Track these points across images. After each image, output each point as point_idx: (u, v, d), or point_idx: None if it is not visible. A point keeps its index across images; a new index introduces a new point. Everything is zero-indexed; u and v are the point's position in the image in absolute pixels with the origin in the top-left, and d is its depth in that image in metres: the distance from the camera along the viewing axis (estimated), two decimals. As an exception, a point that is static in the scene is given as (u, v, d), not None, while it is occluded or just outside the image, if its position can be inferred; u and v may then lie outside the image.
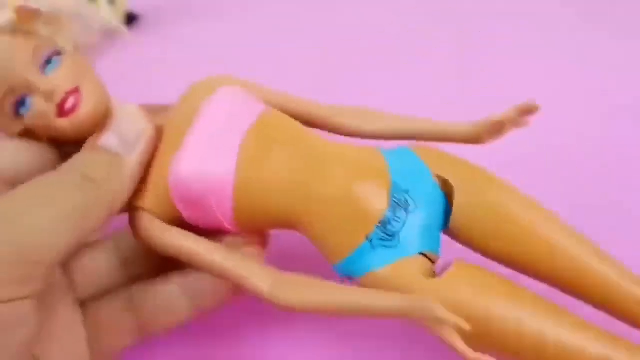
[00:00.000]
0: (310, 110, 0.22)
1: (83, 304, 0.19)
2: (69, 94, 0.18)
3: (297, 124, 0.21)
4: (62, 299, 0.18)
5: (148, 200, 0.19)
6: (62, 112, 0.18)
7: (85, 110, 0.19)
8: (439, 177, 0.20)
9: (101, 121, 0.19)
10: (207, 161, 0.18)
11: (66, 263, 0.19)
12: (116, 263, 0.21)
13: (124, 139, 0.18)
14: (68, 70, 0.19)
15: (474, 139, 0.21)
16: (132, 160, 0.17)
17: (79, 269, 0.20)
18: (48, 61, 0.19)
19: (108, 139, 0.18)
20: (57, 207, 0.15)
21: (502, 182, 0.20)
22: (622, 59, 0.43)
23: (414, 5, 0.55)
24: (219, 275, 0.19)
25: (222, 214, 0.19)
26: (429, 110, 0.38)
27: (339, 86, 0.41)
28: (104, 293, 0.20)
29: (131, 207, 0.19)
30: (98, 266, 0.20)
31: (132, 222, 0.19)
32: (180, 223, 0.20)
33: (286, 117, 0.21)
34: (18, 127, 0.19)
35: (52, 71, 0.19)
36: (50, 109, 0.18)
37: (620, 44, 0.45)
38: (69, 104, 0.18)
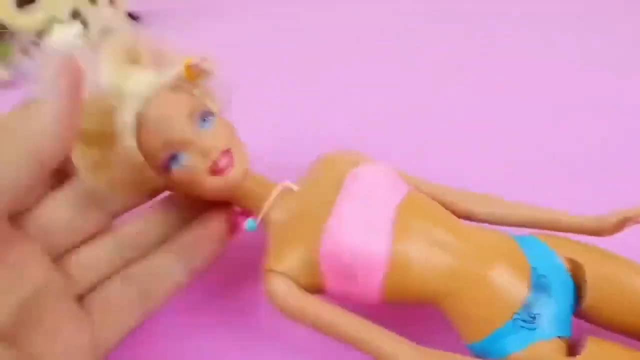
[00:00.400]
0: (440, 193, 0.23)
1: (82, 296, 0.19)
2: (223, 153, 0.19)
3: (439, 205, 0.21)
4: (60, 297, 0.18)
5: (289, 264, 0.19)
6: (215, 170, 0.19)
7: (236, 171, 0.19)
8: (567, 261, 0.20)
9: (241, 185, 0.20)
10: (364, 234, 0.19)
11: (61, 259, 0.19)
12: (116, 260, 0.20)
13: (42, 84, 0.16)
14: (221, 131, 0.20)
15: (596, 232, 0.21)
16: (52, 99, 0.15)
17: (76, 265, 0.20)
18: (203, 120, 0.19)
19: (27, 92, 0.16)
20: None
21: (630, 262, 0.20)
22: (622, 60, 0.43)
23: (414, 5, 0.55)
24: (357, 347, 0.19)
25: (370, 287, 0.19)
26: (429, 110, 0.38)
27: (339, 86, 0.41)
28: (102, 281, 0.20)
29: (268, 270, 0.20)
30: (98, 263, 0.20)
31: (268, 285, 0.19)
32: (316, 292, 0.20)
33: (428, 198, 0.21)
34: (162, 180, 0.20)
35: (206, 130, 0.19)
36: (204, 165, 0.19)
37: (621, 45, 0.45)
38: (222, 163, 0.19)
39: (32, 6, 0.46)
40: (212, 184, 0.19)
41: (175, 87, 0.19)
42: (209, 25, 0.52)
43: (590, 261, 0.20)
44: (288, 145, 0.33)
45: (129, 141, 0.18)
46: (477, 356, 0.19)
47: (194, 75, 0.20)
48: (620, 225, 0.21)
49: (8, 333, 0.15)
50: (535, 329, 0.18)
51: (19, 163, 0.15)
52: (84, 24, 0.48)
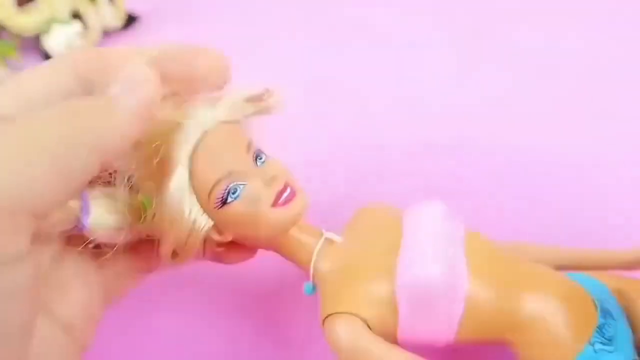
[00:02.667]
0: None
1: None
2: (286, 184, 0.18)
3: (493, 242, 0.21)
4: (74, 252, 0.17)
5: (355, 305, 0.18)
6: (278, 200, 0.18)
7: (299, 204, 0.18)
8: (617, 293, 0.20)
9: (295, 224, 0.19)
10: (444, 266, 0.18)
11: None
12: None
13: (123, 86, 0.16)
14: (278, 164, 0.19)
15: (633, 265, 0.21)
16: (129, 103, 0.15)
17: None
18: (259, 156, 0.19)
19: (109, 88, 0.16)
20: (32, 141, 0.13)
21: None
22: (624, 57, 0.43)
23: (414, 6, 0.55)
24: None
25: (450, 321, 0.18)
26: (429, 110, 0.38)
27: (339, 87, 0.41)
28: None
29: (331, 314, 0.19)
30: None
31: (333, 329, 0.18)
32: (384, 337, 0.19)
33: (483, 236, 0.21)
34: (212, 217, 0.18)
35: (262, 164, 0.19)
36: (268, 195, 0.18)
37: (622, 46, 0.45)
38: (286, 194, 0.18)
39: (32, 6, 0.46)
40: (276, 217, 0.18)
41: (238, 122, 0.19)
42: (208, 25, 0.52)
43: (637, 290, 0.20)
44: (288, 145, 0.33)
45: (181, 174, 0.17)
46: None
47: (255, 109, 0.19)
48: None
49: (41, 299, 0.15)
50: (614, 351, 0.18)
51: (87, 156, 0.14)
52: (84, 24, 0.48)
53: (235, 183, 0.18)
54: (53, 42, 0.46)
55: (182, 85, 0.18)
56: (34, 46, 0.47)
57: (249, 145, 0.19)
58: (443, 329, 0.18)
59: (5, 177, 0.12)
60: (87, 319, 0.17)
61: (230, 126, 0.18)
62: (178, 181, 0.17)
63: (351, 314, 0.18)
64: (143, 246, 0.19)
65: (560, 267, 0.22)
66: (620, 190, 0.29)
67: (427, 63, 0.44)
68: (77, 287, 0.17)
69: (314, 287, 0.21)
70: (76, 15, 0.48)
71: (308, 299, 0.21)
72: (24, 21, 0.46)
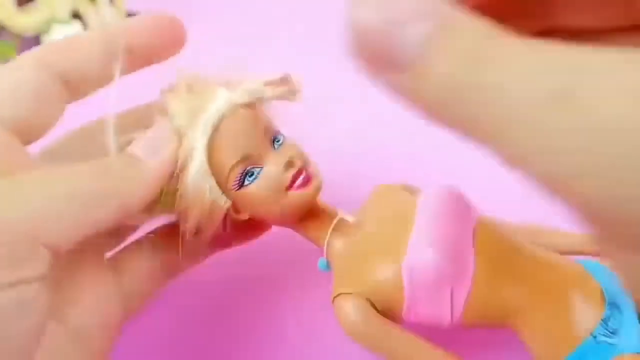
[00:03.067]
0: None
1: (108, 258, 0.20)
2: (301, 168, 0.19)
3: (505, 229, 0.21)
4: (94, 262, 0.18)
5: (363, 285, 0.19)
6: (293, 184, 0.19)
7: (314, 188, 0.19)
8: None
9: (310, 207, 0.20)
10: (450, 251, 0.18)
11: None
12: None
13: (148, 146, 0.17)
14: (295, 149, 0.20)
15: None
16: (153, 165, 0.17)
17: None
18: (276, 139, 0.19)
19: (134, 145, 0.18)
20: (67, 188, 0.15)
21: None
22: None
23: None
24: None
25: (454, 304, 0.18)
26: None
27: (339, 87, 0.41)
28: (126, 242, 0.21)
29: (340, 294, 0.19)
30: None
31: (342, 308, 0.19)
32: (390, 317, 0.19)
33: (496, 223, 0.21)
34: (230, 197, 0.19)
35: (279, 148, 0.19)
36: (284, 179, 0.19)
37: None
38: (302, 177, 0.19)
39: (32, 6, 0.46)
40: (291, 200, 0.19)
41: (249, 105, 0.19)
42: (208, 25, 0.52)
43: None
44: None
45: (201, 156, 0.18)
46: None
47: (274, 93, 0.20)
48: None
49: (51, 306, 0.15)
50: (616, 343, 0.18)
51: (110, 210, 0.16)
52: (84, 24, 0.48)
53: (252, 167, 0.19)
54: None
55: (146, 55, 0.19)
56: (34, 46, 0.47)
57: (266, 129, 0.19)
58: (447, 312, 0.19)
59: (37, 211, 0.14)
60: (102, 327, 0.17)
61: (247, 110, 0.19)
62: (198, 164, 0.18)
63: (359, 294, 0.19)
64: (163, 250, 0.20)
65: (575, 253, 0.22)
66: None
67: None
68: (91, 295, 0.17)
69: (328, 264, 0.21)
70: (76, 15, 0.48)
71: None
72: (24, 21, 0.46)
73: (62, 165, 0.16)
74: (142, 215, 0.19)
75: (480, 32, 0.10)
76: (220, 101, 0.18)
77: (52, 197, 0.14)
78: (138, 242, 0.20)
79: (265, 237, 0.23)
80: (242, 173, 0.19)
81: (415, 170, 0.25)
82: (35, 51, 0.18)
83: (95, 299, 0.17)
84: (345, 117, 0.37)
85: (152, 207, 0.18)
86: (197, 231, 0.19)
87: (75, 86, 0.18)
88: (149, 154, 0.17)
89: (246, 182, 0.19)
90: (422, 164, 0.30)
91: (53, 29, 0.47)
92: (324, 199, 0.22)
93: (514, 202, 0.25)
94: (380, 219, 0.21)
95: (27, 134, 0.17)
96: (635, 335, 0.19)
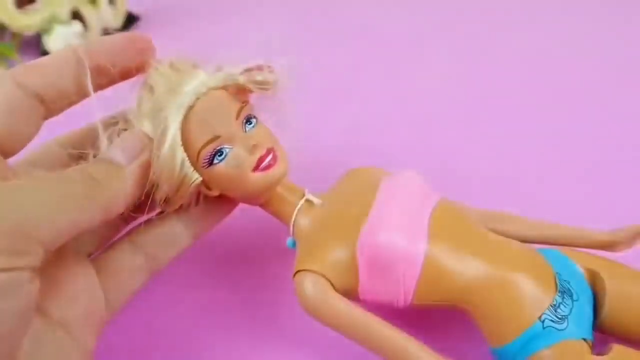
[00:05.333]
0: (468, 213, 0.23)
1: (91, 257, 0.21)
2: (268, 151, 0.20)
3: (467, 213, 0.22)
4: (76, 260, 0.19)
5: (322, 263, 0.20)
6: (259, 166, 0.20)
7: (279, 169, 0.20)
8: (586, 271, 0.21)
9: (275, 188, 0.21)
10: (405, 232, 0.19)
11: None
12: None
13: (126, 151, 0.19)
14: (264, 132, 0.20)
15: (610, 246, 0.22)
16: (132, 170, 0.19)
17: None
18: (248, 121, 0.20)
19: (113, 151, 0.19)
20: (59, 192, 0.16)
21: None
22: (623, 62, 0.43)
23: (415, 9, 0.55)
24: (386, 355, 0.19)
25: (406, 284, 0.19)
26: (429, 110, 0.38)
27: (340, 89, 0.41)
28: (107, 241, 0.22)
29: (300, 270, 0.20)
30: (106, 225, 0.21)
31: (301, 284, 0.20)
32: (347, 295, 0.20)
33: (456, 206, 0.22)
34: (201, 174, 0.20)
35: (250, 130, 0.20)
36: (250, 161, 0.19)
37: (623, 49, 0.45)
38: (267, 160, 0.20)
39: (32, 6, 0.46)
40: (255, 180, 0.20)
41: (228, 87, 0.20)
42: (209, 25, 0.52)
43: (607, 271, 0.20)
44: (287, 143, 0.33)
45: (174, 133, 0.19)
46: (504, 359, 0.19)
47: (252, 81, 0.21)
48: (633, 239, 0.21)
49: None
50: (564, 329, 0.18)
51: (95, 213, 0.17)
52: (84, 24, 0.48)
53: (221, 146, 0.19)
54: (53, 42, 0.46)
55: (117, 72, 0.20)
56: (34, 46, 0.47)
57: (239, 112, 0.20)
58: (400, 291, 0.19)
59: (32, 213, 0.15)
60: (85, 321, 0.18)
61: (222, 93, 0.20)
62: (172, 140, 0.19)
63: (317, 272, 0.19)
64: (143, 245, 0.21)
65: (537, 241, 0.22)
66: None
67: (427, 63, 0.44)
68: (72, 289, 0.18)
69: (294, 242, 0.22)
70: (76, 16, 0.48)
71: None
72: (24, 21, 0.46)
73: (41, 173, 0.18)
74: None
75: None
76: (196, 82, 0.19)
77: (45, 201, 0.16)
78: (118, 238, 0.21)
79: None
80: (212, 152, 0.19)
81: (419, 167, 0.25)
82: (10, 71, 0.19)
83: (76, 293, 0.18)
84: (347, 112, 0.37)
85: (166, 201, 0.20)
86: (166, 201, 0.20)
87: (50, 103, 0.19)
88: (127, 158, 0.19)
89: (215, 161, 0.19)
90: (425, 161, 0.30)
91: (53, 29, 0.47)
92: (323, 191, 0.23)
93: (514, 198, 0.25)
94: (344, 200, 0.22)
95: (4, 149, 0.18)
96: (586, 323, 0.19)
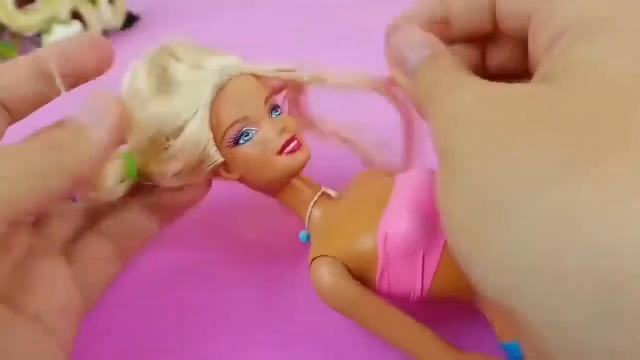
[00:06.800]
0: None
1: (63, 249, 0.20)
2: (293, 137, 0.20)
3: None
4: (49, 253, 0.19)
5: (339, 249, 0.20)
6: (284, 150, 0.20)
7: (303, 155, 0.21)
8: None
9: (297, 173, 0.21)
10: (424, 222, 0.19)
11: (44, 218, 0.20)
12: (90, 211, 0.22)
13: (93, 114, 0.18)
14: (290, 120, 0.21)
15: None
16: (99, 133, 0.17)
17: (54, 218, 0.21)
18: (275, 109, 0.21)
19: (79, 113, 0.18)
20: (17, 163, 0.16)
21: None
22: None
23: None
24: (401, 346, 0.19)
25: (425, 273, 0.19)
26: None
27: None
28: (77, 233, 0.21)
29: (317, 256, 0.20)
30: (74, 215, 0.21)
31: (317, 270, 0.19)
32: (363, 283, 0.20)
33: None
34: (224, 155, 0.20)
35: (277, 117, 0.21)
36: (277, 143, 0.20)
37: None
38: (292, 145, 0.20)
39: (32, 6, 0.47)
40: (280, 164, 0.20)
41: (254, 75, 0.21)
42: (209, 25, 0.52)
43: None
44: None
45: (204, 111, 0.19)
46: (512, 356, 0.19)
47: (277, 74, 0.21)
48: None
49: (7, 295, 0.16)
50: None
51: (61, 181, 0.16)
52: (84, 24, 0.49)
53: (248, 127, 0.20)
54: (53, 42, 0.47)
55: (74, 76, 0.20)
56: (34, 46, 0.47)
57: (268, 99, 0.21)
58: (418, 280, 0.19)
59: None
60: (62, 314, 0.18)
61: (252, 78, 0.21)
62: (200, 118, 0.19)
63: (335, 258, 0.19)
64: (116, 234, 0.21)
65: None
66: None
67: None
68: (46, 282, 0.18)
69: (309, 236, 0.22)
70: (76, 15, 0.48)
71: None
72: (25, 21, 0.46)
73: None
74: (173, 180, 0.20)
75: (448, 64, 0.16)
76: (231, 64, 0.20)
77: (3, 173, 0.15)
78: (91, 229, 0.21)
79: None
80: (239, 132, 0.20)
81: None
82: None
83: (50, 286, 0.18)
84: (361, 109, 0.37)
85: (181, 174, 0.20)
86: (176, 176, 0.20)
87: (13, 109, 0.19)
88: (94, 123, 0.18)
89: (241, 142, 0.20)
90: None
91: (53, 29, 0.47)
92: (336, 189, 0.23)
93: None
94: (360, 194, 0.22)
95: None
96: None
